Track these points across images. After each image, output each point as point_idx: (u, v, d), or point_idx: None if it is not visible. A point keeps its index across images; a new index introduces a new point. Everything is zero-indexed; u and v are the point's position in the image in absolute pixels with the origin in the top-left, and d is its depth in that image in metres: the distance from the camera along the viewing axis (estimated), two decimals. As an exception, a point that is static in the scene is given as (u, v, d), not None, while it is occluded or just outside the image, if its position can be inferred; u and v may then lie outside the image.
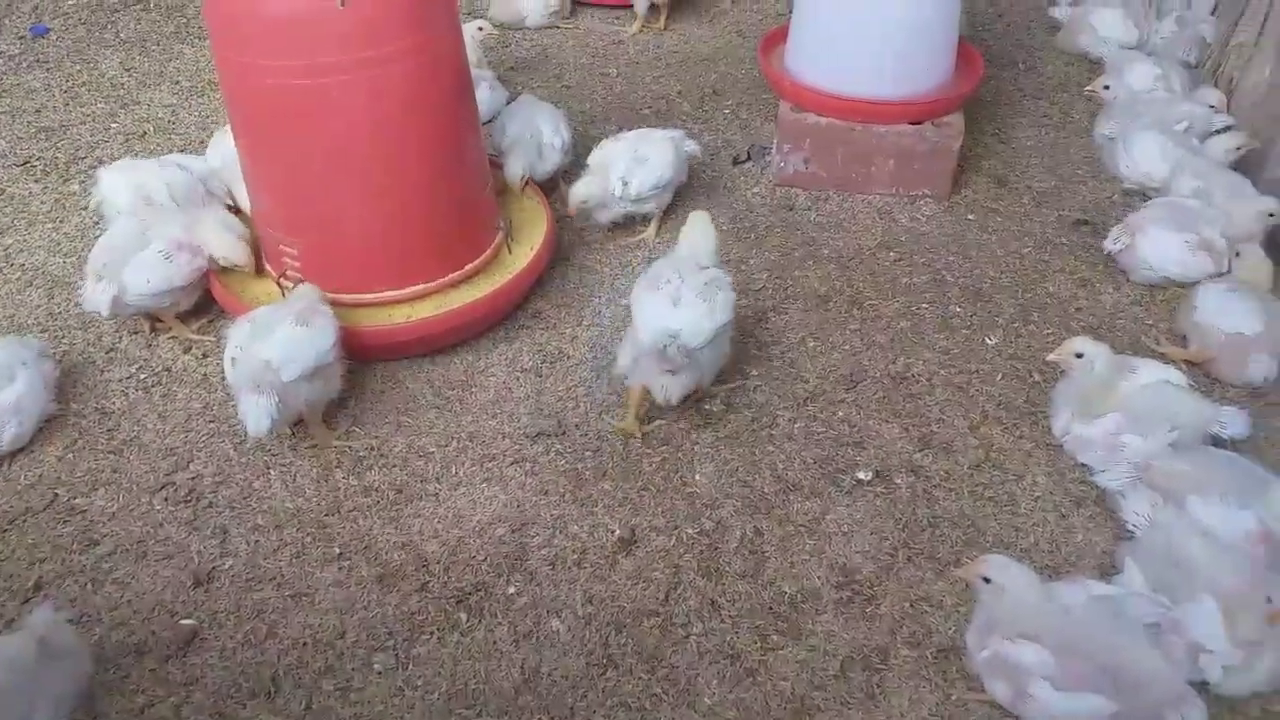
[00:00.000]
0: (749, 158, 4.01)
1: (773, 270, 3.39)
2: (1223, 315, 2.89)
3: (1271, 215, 3.12)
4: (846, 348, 3.06)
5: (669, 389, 2.60)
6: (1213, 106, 3.78)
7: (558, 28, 5.05)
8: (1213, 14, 4.46)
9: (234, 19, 2.62)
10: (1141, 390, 2.58)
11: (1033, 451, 2.69)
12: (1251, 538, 2.24)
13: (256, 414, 2.45)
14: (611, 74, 4.65)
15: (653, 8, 4.96)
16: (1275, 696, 2.12)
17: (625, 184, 3.34)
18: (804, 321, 3.17)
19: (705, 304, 2.57)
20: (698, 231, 2.80)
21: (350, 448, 2.71)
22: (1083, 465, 2.62)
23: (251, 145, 2.87)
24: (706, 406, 2.85)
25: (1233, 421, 2.59)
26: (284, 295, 2.92)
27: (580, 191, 3.38)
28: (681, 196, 3.69)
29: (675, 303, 2.55)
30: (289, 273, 2.98)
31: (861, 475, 2.64)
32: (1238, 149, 3.54)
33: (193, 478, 2.63)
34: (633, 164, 3.36)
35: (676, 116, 4.30)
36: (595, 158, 3.46)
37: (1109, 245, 3.27)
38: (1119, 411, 2.55)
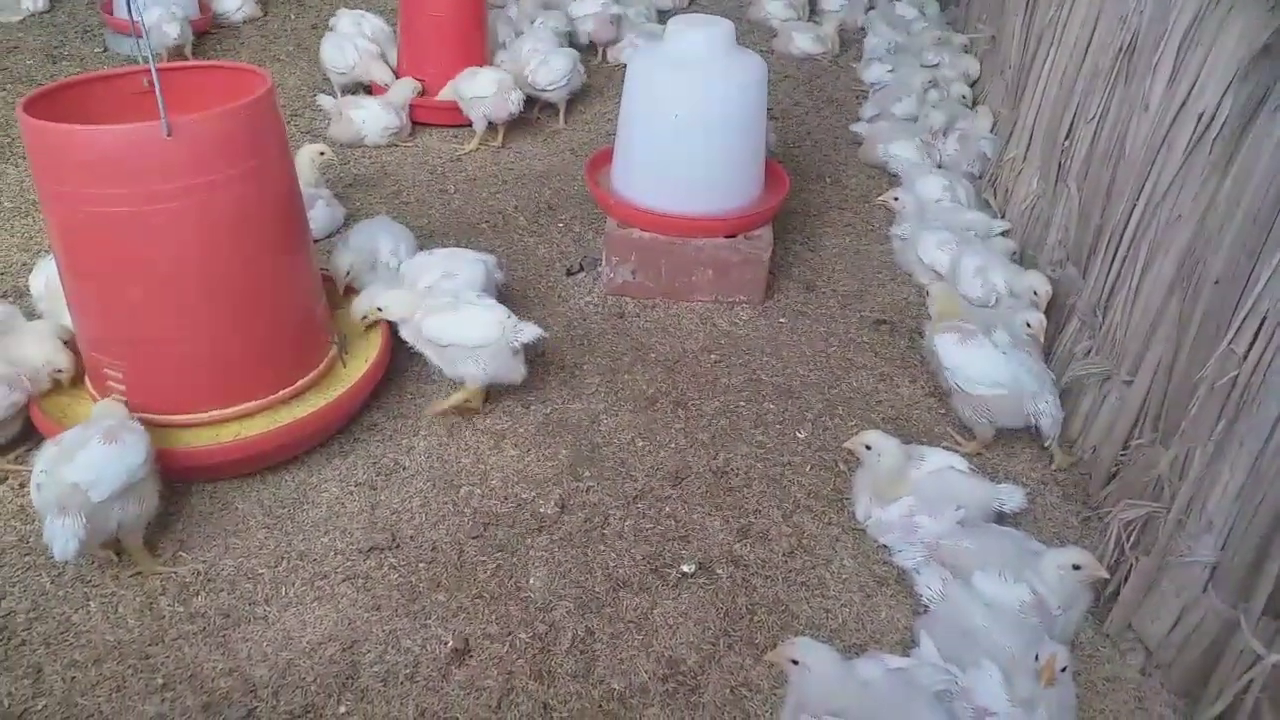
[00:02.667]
0: (581, 269, 4.22)
1: (604, 374, 3.57)
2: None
3: (1035, 294, 3.53)
4: (672, 446, 3.24)
5: (517, 370, 3.26)
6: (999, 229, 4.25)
7: (396, 146, 5.21)
8: (991, 132, 5.03)
9: (55, 149, 2.64)
10: (930, 475, 2.84)
11: (840, 536, 2.91)
12: (1026, 607, 2.49)
13: (63, 536, 2.40)
14: (450, 191, 4.82)
15: (490, 126, 5.19)
16: (1053, 750, 2.34)
17: None
18: (633, 422, 3.34)
19: (486, 301, 3.27)
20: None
21: (175, 573, 2.68)
22: (884, 547, 2.85)
23: (75, 270, 2.86)
24: (542, 509, 2.96)
25: (1010, 497, 2.88)
26: (106, 419, 2.90)
27: (342, 261, 3.59)
28: (516, 303, 3.87)
29: (471, 305, 3.23)
30: (113, 396, 2.96)
31: (686, 568, 2.78)
32: (1014, 253, 4.01)
33: (4, 615, 2.54)
34: (442, 279, 3.49)
35: (513, 230, 4.49)
36: (406, 268, 3.61)
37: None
38: (911, 495, 2.81)
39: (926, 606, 2.62)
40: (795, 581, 2.76)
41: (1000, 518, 2.91)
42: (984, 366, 3.14)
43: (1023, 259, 4.02)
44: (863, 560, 2.84)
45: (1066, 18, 4.04)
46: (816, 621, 2.65)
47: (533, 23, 6.08)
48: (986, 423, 3.17)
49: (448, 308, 3.21)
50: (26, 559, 2.71)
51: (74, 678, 2.40)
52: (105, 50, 6.33)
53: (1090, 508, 3.05)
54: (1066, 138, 3.87)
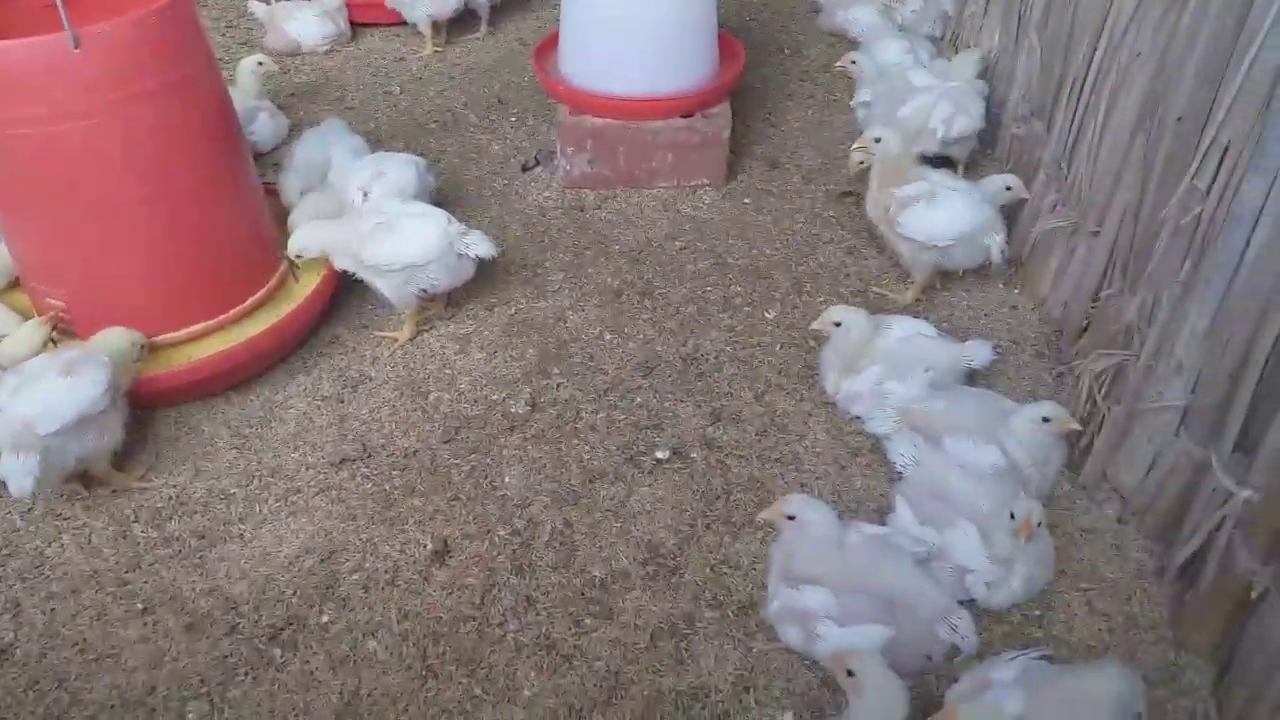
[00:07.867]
0: (537, 163, 4.10)
1: (568, 270, 3.50)
2: None
3: (1009, 188, 3.32)
4: (641, 337, 3.20)
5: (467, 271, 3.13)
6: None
7: (337, 51, 5.00)
8: (952, -12, 4.83)
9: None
10: (897, 342, 2.81)
11: (812, 412, 2.90)
12: (997, 469, 2.49)
13: (18, 475, 2.37)
14: (395, 92, 4.65)
15: (435, 25, 4.96)
16: (1031, 604, 2.37)
17: (365, 195, 3.31)
18: (600, 316, 3.29)
19: (420, 208, 3.10)
20: None
21: (149, 487, 2.67)
22: (856, 418, 2.84)
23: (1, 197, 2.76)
24: (513, 409, 2.93)
25: (978, 353, 2.83)
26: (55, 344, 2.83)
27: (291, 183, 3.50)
28: (472, 204, 3.77)
29: (409, 216, 3.03)
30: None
31: (660, 455, 2.77)
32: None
33: (-25, 555, 2.53)
34: (371, 178, 3.34)
35: (463, 129, 4.35)
36: (334, 176, 3.45)
37: None
38: (879, 363, 2.78)
39: (901, 473, 2.62)
40: (770, 459, 2.76)
41: (973, 378, 2.90)
42: (951, 220, 3.13)
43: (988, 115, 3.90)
44: (836, 433, 2.84)
45: None
46: (793, 496, 2.65)
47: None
48: (931, 264, 3.22)
49: (383, 229, 2.97)
50: (-7, 497, 2.67)
51: (53, 609, 2.39)
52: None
53: (1063, 363, 3.04)
54: (1026, -14, 3.73)
